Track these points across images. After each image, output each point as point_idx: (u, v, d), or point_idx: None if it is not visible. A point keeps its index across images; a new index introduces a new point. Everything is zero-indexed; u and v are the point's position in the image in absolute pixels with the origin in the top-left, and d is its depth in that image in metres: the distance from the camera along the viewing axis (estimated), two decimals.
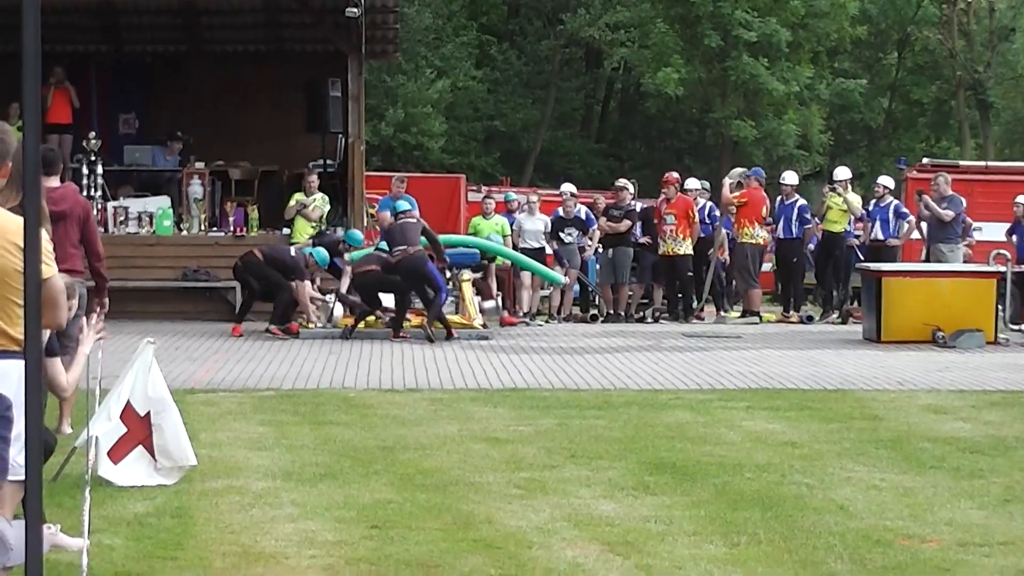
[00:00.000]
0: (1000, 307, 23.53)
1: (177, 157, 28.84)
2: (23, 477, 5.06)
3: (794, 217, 28.34)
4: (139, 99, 30.51)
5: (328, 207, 26.20)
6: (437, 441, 13.29)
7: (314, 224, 25.71)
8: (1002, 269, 24.50)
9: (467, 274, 25.00)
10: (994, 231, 28.95)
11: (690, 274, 27.60)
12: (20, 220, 4.86)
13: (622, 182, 29.43)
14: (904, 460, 12.81)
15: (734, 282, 29.89)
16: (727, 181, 28.79)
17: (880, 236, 27.12)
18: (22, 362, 4.84)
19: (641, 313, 28.28)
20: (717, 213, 29.11)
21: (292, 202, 25.71)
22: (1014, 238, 27.53)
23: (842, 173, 29.65)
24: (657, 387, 17.69)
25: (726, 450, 13.08)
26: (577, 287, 28.88)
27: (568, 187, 29.80)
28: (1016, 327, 24.21)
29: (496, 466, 12.09)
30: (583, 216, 28.70)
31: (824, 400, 16.68)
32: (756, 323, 26.94)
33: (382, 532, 9.53)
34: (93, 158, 25.00)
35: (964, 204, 27.26)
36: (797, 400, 16.60)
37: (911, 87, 66.88)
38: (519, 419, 14.63)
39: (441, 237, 24.47)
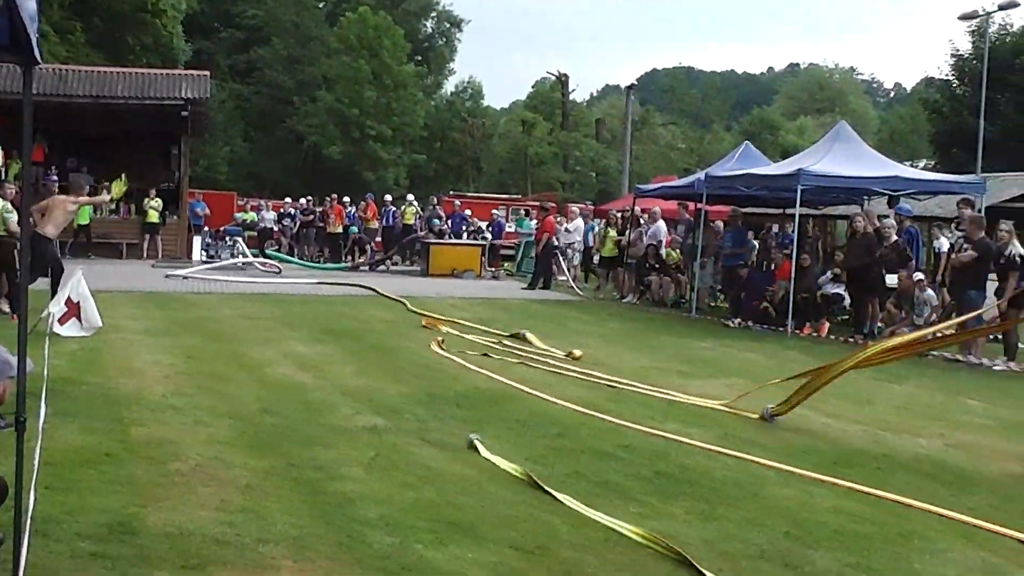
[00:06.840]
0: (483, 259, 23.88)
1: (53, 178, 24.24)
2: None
3: None
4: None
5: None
6: (221, 317, 13.04)
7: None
8: (484, 243, 25.07)
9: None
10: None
11: None
12: None
13: None
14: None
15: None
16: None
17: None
18: None
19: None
20: None
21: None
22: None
23: None
24: (329, 294, 17.28)
25: (363, 324, 13.08)
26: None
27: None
28: (490, 270, 24.67)
29: (248, 329, 11.91)
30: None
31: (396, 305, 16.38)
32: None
33: (192, 361, 9.29)
34: None
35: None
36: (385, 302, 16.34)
37: None
38: (261, 309, 14.30)
39: None
